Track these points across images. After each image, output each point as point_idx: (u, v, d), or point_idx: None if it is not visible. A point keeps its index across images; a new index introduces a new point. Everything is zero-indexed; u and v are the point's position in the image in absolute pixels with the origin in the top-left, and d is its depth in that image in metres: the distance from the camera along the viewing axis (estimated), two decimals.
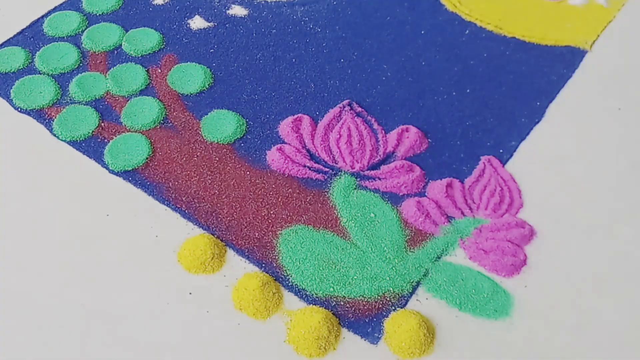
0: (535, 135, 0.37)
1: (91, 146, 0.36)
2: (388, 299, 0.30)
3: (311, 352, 0.28)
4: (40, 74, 0.40)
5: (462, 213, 0.33)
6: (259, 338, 0.29)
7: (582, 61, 0.41)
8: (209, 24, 0.43)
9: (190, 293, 0.30)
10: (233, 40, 0.42)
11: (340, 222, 0.33)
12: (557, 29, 0.43)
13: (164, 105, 0.38)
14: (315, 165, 0.35)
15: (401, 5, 0.45)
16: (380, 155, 0.36)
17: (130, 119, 0.37)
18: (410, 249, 0.32)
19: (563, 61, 0.41)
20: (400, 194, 0.34)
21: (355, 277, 0.31)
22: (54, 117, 0.37)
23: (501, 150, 0.36)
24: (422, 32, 0.43)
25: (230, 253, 0.32)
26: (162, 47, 0.42)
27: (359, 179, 0.35)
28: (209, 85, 0.39)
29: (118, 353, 0.28)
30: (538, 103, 0.39)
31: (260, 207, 0.33)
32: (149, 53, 0.41)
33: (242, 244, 0.32)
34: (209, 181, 0.34)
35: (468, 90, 0.39)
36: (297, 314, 0.29)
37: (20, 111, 0.37)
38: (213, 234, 0.32)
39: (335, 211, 0.33)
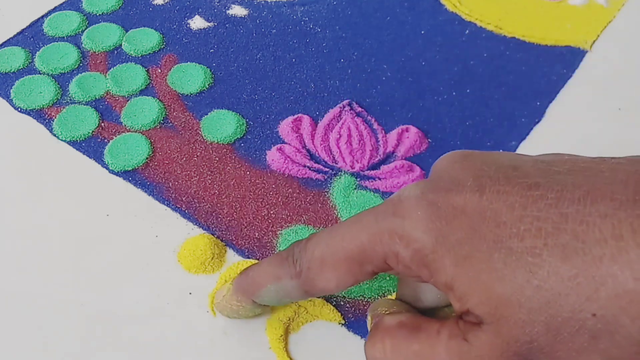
0: (535, 135, 0.37)
1: (91, 146, 0.36)
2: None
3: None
4: (40, 74, 0.40)
5: None
6: (259, 338, 0.29)
7: (582, 61, 0.41)
8: (209, 24, 0.43)
9: (190, 293, 0.30)
10: (233, 40, 0.42)
11: (340, 222, 0.33)
12: (557, 29, 0.43)
13: (164, 105, 0.38)
14: (315, 165, 0.35)
15: (401, 5, 0.45)
16: (380, 155, 0.36)
17: (130, 119, 0.37)
18: None
19: (563, 61, 0.41)
20: None
21: None
22: (54, 117, 0.37)
23: (501, 150, 0.36)
24: (422, 32, 0.43)
25: (230, 253, 0.32)
26: (162, 47, 0.42)
27: (359, 179, 0.35)
28: (209, 85, 0.39)
29: (118, 352, 0.28)
30: (538, 103, 0.39)
31: (260, 207, 0.33)
32: (149, 53, 0.41)
33: (242, 244, 0.32)
34: (209, 181, 0.34)
35: (468, 90, 0.39)
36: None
37: (20, 111, 0.37)
38: (213, 234, 0.32)
39: (335, 211, 0.33)
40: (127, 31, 0.42)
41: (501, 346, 0.19)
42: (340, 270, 0.23)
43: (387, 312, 0.24)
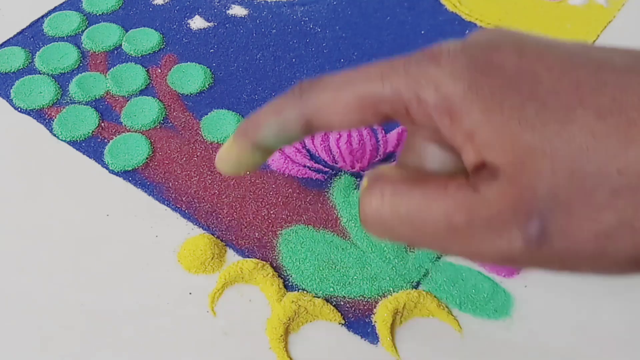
0: None
1: (91, 146, 0.36)
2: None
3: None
4: (40, 74, 0.40)
5: None
6: (259, 338, 0.29)
7: None
8: (209, 24, 0.43)
9: (190, 293, 0.30)
10: (233, 40, 0.42)
11: (340, 222, 0.33)
12: (557, 29, 0.43)
13: (164, 105, 0.38)
14: (315, 165, 0.35)
15: (401, 5, 0.45)
16: (380, 155, 0.36)
17: (130, 119, 0.37)
18: (410, 248, 0.32)
19: None
20: None
21: (355, 277, 0.31)
22: (54, 117, 0.37)
23: None
24: (422, 32, 0.43)
25: (230, 253, 0.32)
26: (162, 47, 0.42)
27: (359, 179, 0.35)
28: (209, 85, 0.39)
29: (118, 352, 0.28)
30: None
31: (260, 207, 0.33)
32: (149, 53, 0.41)
33: (242, 244, 0.32)
34: (209, 181, 0.34)
35: None
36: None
37: (20, 111, 0.37)
38: (213, 234, 0.32)
39: (335, 211, 0.33)
40: (127, 31, 0.42)
41: (515, 195, 0.19)
42: (352, 105, 0.22)
43: (388, 170, 0.23)
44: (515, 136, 0.19)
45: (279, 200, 0.34)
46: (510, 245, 0.19)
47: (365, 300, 0.30)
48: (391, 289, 0.30)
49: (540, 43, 0.21)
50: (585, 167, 0.18)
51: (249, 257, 0.31)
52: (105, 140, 0.36)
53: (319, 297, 0.30)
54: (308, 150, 0.36)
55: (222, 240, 0.32)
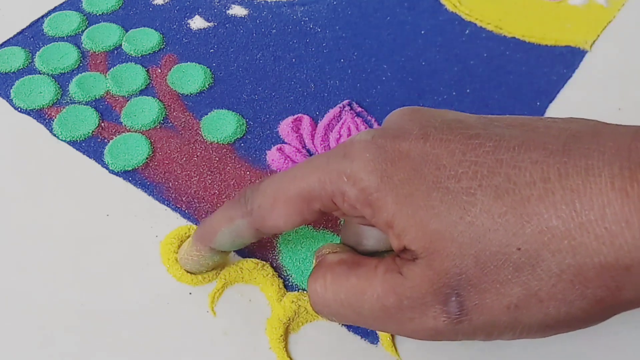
0: None
1: (91, 146, 0.36)
2: None
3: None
4: (40, 74, 0.40)
5: None
6: (259, 338, 0.29)
7: (582, 61, 0.41)
8: (209, 24, 0.43)
9: (190, 293, 0.30)
10: (233, 40, 0.42)
11: (340, 221, 0.33)
12: (557, 29, 0.43)
13: (164, 105, 0.38)
14: None
15: (401, 5, 0.45)
16: None
17: (130, 119, 0.37)
18: None
19: (563, 61, 0.41)
20: None
21: None
22: (54, 117, 0.37)
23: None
24: (422, 32, 0.43)
25: (230, 253, 0.32)
26: (162, 47, 0.42)
27: None
28: (209, 85, 0.39)
29: (118, 352, 0.28)
30: (538, 103, 0.39)
31: None
32: (149, 53, 0.41)
33: None
34: (209, 181, 0.34)
35: (468, 90, 0.39)
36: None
37: (20, 111, 0.38)
38: None
39: None
40: (127, 31, 0.42)
41: (432, 278, 0.20)
42: (290, 207, 0.24)
43: (330, 253, 0.25)
44: (424, 224, 0.20)
45: None
46: (436, 322, 0.21)
47: None
48: None
49: (445, 124, 0.22)
50: (488, 248, 0.20)
51: (248, 257, 0.31)
52: (105, 140, 0.36)
53: None
54: (308, 150, 0.36)
55: None
